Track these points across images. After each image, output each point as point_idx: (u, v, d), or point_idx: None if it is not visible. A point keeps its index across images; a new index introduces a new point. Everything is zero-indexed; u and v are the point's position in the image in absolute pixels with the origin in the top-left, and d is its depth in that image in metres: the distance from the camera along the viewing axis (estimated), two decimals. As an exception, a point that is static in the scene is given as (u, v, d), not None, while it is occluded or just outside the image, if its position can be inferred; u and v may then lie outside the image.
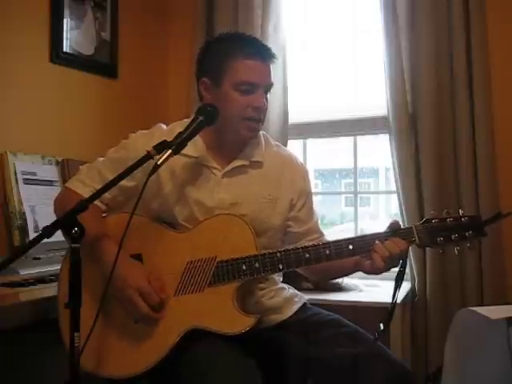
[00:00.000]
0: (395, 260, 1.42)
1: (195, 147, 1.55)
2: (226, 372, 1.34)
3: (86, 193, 1.49)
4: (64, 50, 2.49)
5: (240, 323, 1.41)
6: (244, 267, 1.44)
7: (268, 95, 1.59)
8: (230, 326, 1.41)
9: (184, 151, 1.44)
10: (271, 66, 1.58)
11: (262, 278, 1.57)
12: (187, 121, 1.55)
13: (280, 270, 1.47)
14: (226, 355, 1.38)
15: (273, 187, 1.62)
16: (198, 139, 1.52)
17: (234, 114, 1.52)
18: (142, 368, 1.42)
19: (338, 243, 1.45)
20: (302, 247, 1.46)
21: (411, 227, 1.45)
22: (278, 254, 1.45)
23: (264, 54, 1.55)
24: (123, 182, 1.46)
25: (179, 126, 1.53)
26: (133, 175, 1.43)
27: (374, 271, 1.45)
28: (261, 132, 1.67)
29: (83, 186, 1.57)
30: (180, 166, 1.57)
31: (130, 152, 1.52)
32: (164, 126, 1.65)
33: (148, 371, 1.42)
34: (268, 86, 1.57)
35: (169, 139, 1.40)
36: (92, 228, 1.36)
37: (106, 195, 1.52)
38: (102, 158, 1.63)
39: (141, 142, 1.56)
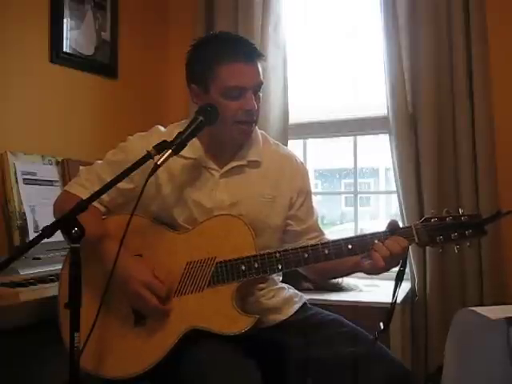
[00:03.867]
0: (396, 259, 1.42)
1: (193, 148, 1.54)
2: (226, 372, 1.34)
3: (86, 195, 1.47)
4: (64, 49, 2.49)
5: (239, 323, 1.41)
6: (243, 267, 1.44)
7: (259, 94, 1.56)
8: (229, 327, 1.41)
9: (182, 153, 1.44)
10: (259, 64, 1.54)
11: (262, 279, 1.57)
12: (185, 122, 1.55)
13: (279, 270, 1.47)
14: (225, 355, 1.38)
15: (272, 186, 1.61)
16: (195, 140, 1.52)
17: (225, 119, 1.50)
18: (142, 368, 1.42)
19: (336, 243, 1.45)
20: (300, 247, 1.46)
21: (410, 226, 1.45)
22: (277, 254, 1.45)
23: (248, 55, 1.52)
24: (122, 184, 1.46)
25: (177, 127, 1.53)
26: (131, 177, 1.43)
27: (375, 271, 1.45)
28: (259, 131, 1.67)
29: (83, 188, 1.56)
30: (178, 168, 1.56)
31: (129, 155, 1.51)
32: (162, 128, 1.65)
33: (148, 372, 1.42)
34: (257, 87, 1.53)
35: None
36: (92, 228, 1.36)
37: (105, 197, 1.52)
38: (100, 161, 1.63)
39: (139, 144, 1.55)
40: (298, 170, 1.69)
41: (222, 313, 1.42)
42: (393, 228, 1.45)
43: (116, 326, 1.47)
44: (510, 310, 1.46)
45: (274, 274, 1.56)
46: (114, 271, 1.34)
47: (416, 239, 1.43)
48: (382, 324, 1.44)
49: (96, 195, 1.33)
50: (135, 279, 1.42)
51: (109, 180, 1.39)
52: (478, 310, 1.48)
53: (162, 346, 1.42)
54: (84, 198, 1.44)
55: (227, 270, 1.44)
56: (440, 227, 1.43)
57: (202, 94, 1.54)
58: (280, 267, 1.45)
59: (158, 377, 1.45)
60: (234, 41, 1.57)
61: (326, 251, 1.44)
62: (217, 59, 1.50)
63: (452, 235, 1.42)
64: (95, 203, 1.49)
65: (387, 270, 1.44)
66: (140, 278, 1.42)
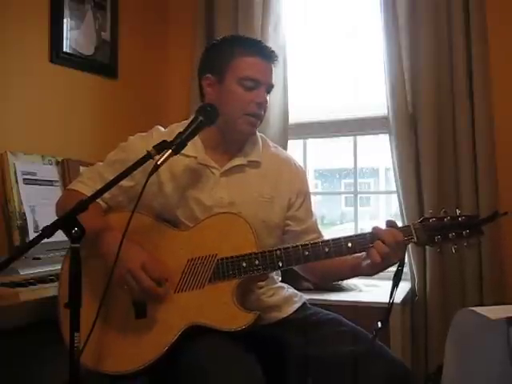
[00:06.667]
0: (393, 254, 1.41)
1: (194, 147, 1.56)
2: (227, 367, 1.34)
3: (88, 192, 1.50)
4: (64, 49, 2.49)
5: (239, 320, 1.41)
6: (244, 264, 1.45)
7: (268, 96, 1.61)
8: (229, 323, 1.41)
9: (183, 151, 1.45)
10: (273, 67, 1.62)
11: (262, 276, 1.57)
12: (186, 122, 1.56)
13: (280, 268, 1.48)
14: (226, 351, 1.38)
15: (270, 187, 1.64)
16: (196, 139, 1.54)
17: (236, 108, 1.55)
18: (142, 364, 1.42)
19: (337, 241, 1.46)
20: (301, 245, 1.47)
21: (409, 226, 1.45)
22: (278, 252, 1.46)
23: (267, 54, 1.61)
24: (123, 182, 1.46)
25: (178, 128, 1.54)
26: (133, 176, 1.44)
27: (372, 269, 1.45)
28: (258, 134, 1.70)
29: (85, 186, 1.58)
30: (179, 166, 1.58)
31: (130, 155, 1.53)
32: (162, 128, 1.67)
33: (148, 367, 1.43)
34: (269, 86, 1.61)
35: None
36: (93, 225, 1.37)
37: (106, 195, 1.52)
38: (101, 163, 1.65)
39: (139, 144, 1.57)
40: (296, 173, 1.71)
41: (222, 309, 1.43)
42: (391, 226, 1.45)
43: (116, 323, 1.47)
44: (510, 310, 1.46)
45: (274, 271, 1.57)
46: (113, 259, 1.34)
47: (415, 238, 1.44)
48: (379, 323, 1.45)
49: (97, 194, 1.33)
50: (131, 259, 1.40)
51: (110, 179, 1.39)
52: (478, 309, 1.48)
53: (162, 341, 1.42)
54: (86, 193, 1.47)
55: (228, 266, 1.45)
56: (438, 227, 1.43)
57: (215, 84, 1.59)
58: (281, 264, 1.46)
59: (159, 372, 1.45)
60: (255, 40, 1.70)
61: (327, 249, 1.45)
62: (239, 49, 1.58)
63: (450, 235, 1.43)
64: (97, 199, 1.49)
65: (385, 266, 1.44)
66: (136, 258, 1.41)
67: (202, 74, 1.63)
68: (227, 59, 1.57)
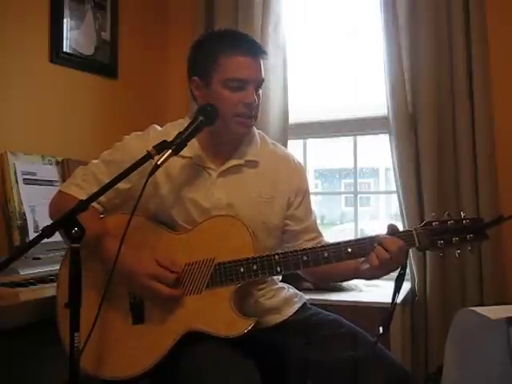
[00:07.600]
0: (393, 260, 1.40)
1: (190, 148, 1.52)
2: (225, 373, 1.33)
3: (83, 196, 1.44)
4: (64, 49, 2.49)
5: (237, 326, 1.40)
6: (242, 269, 1.43)
7: (260, 91, 1.57)
8: (227, 329, 1.40)
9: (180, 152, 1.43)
10: (261, 61, 1.56)
11: (261, 280, 1.56)
12: (181, 121, 1.56)
13: (278, 273, 1.46)
14: (224, 356, 1.37)
15: (269, 186, 1.61)
16: (193, 140, 1.50)
17: (225, 111, 1.50)
18: (140, 370, 1.42)
19: (336, 246, 1.44)
20: (300, 250, 1.45)
21: (411, 230, 1.43)
22: (276, 257, 1.44)
23: (252, 50, 1.54)
24: (119, 185, 1.43)
25: (174, 127, 1.53)
26: (129, 178, 1.41)
27: (372, 273, 1.44)
28: (256, 131, 1.67)
29: (79, 189, 1.55)
30: (175, 168, 1.55)
31: (125, 155, 1.51)
32: (158, 127, 1.64)
33: (148, 372, 1.42)
34: (258, 82, 1.55)
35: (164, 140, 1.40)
36: (92, 227, 1.36)
37: (102, 199, 1.50)
38: (95, 161, 1.61)
39: (135, 143, 1.55)
40: (295, 170, 1.68)
41: (220, 315, 1.42)
42: (393, 232, 1.44)
43: (114, 327, 1.47)
44: (510, 310, 1.46)
45: (273, 276, 1.56)
46: (117, 268, 1.34)
47: (416, 243, 1.42)
48: (381, 328, 1.43)
49: (95, 196, 1.32)
50: (140, 273, 1.42)
51: (106, 180, 1.38)
52: (478, 310, 1.48)
53: (161, 347, 1.42)
54: (82, 198, 1.44)
55: (226, 271, 1.44)
56: (441, 231, 1.41)
57: (203, 87, 1.55)
58: (279, 269, 1.44)
59: (157, 377, 1.45)
60: (239, 35, 1.60)
61: (326, 254, 1.43)
62: (221, 50, 1.51)
63: (453, 239, 1.40)
64: (93, 203, 1.49)
65: (385, 272, 1.43)
66: (144, 270, 1.42)
67: (189, 75, 1.59)
68: (210, 61, 1.51)
